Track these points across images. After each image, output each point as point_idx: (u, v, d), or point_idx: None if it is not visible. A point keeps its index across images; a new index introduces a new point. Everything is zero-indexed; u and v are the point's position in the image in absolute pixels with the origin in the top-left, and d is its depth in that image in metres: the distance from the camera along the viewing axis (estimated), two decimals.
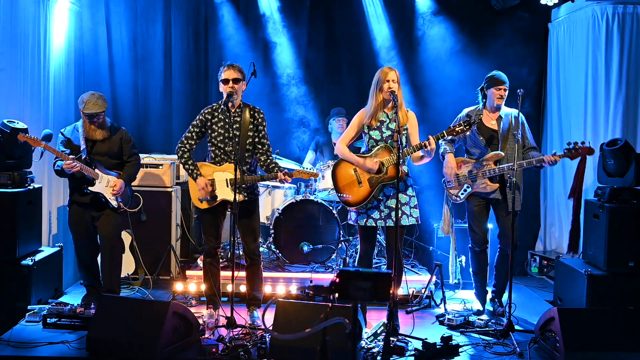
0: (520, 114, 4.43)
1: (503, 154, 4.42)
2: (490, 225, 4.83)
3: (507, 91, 4.49)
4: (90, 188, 4.43)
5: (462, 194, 4.54)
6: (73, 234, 4.62)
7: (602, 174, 4.81)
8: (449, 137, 4.17)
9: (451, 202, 4.69)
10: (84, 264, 4.65)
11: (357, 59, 6.41)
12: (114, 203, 4.50)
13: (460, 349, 3.84)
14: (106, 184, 4.47)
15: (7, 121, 4.50)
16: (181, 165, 4.34)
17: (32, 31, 5.17)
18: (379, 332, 3.90)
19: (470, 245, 4.68)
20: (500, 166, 4.39)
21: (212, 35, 6.33)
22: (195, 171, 4.21)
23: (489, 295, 4.74)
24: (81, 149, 4.45)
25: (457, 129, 3.99)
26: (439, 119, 5.85)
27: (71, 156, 4.37)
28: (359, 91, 6.19)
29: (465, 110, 4.65)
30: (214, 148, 4.26)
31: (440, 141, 4.26)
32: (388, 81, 4.05)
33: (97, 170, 4.45)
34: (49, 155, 4.85)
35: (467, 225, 4.72)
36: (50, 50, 5.46)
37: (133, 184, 4.86)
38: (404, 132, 4.14)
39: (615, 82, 5.57)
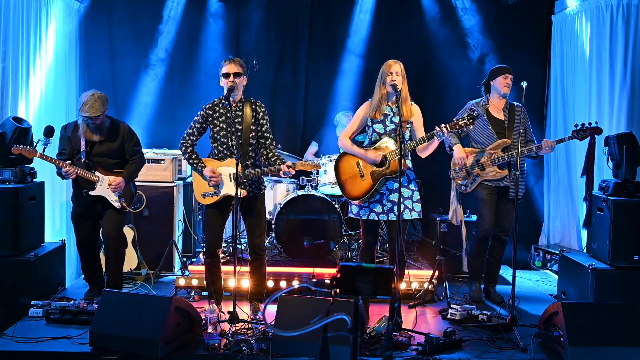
0: (523, 107, 4.46)
1: (510, 141, 4.56)
2: None
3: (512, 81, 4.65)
4: (91, 192, 4.40)
5: (472, 183, 4.63)
6: (75, 230, 4.62)
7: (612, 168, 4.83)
8: (453, 131, 4.15)
9: (459, 194, 4.76)
10: (86, 259, 4.65)
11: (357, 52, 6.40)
12: (116, 205, 4.48)
13: (463, 344, 3.83)
14: (107, 186, 4.45)
15: (13, 118, 4.48)
16: (186, 161, 4.32)
17: (34, 28, 5.17)
18: (381, 326, 3.89)
19: (474, 232, 4.77)
20: (508, 153, 4.51)
21: (214, 28, 6.31)
22: (200, 164, 4.20)
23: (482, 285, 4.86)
24: (81, 150, 4.41)
25: (460, 122, 3.96)
26: (441, 112, 5.83)
27: (68, 162, 4.33)
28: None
29: (470, 103, 4.72)
30: (216, 144, 4.24)
31: None
32: (391, 74, 4.02)
33: (97, 173, 4.41)
34: (51, 150, 4.84)
35: (471, 217, 4.79)
36: (52, 46, 5.45)
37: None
38: (408, 126, 4.12)
39: (620, 74, 5.52)
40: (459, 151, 4.62)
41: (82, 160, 4.40)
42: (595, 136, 4.48)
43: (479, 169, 4.59)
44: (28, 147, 4.29)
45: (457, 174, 4.69)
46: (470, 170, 4.62)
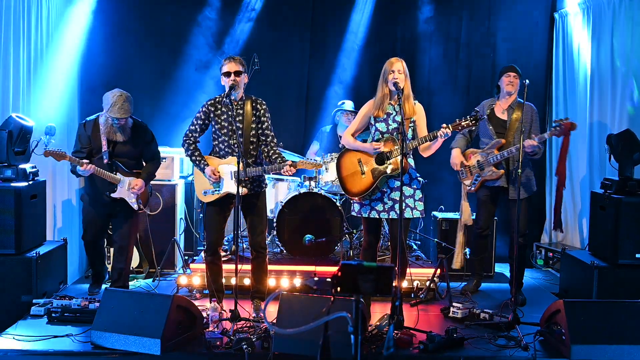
0: (533, 107, 4.67)
1: (504, 140, 4.61)
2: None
3: (519, 79, 4.66)
4: (112, 195, 4.40)
5: (474, 183, 4.75)
6: (86, 228, 4.62)
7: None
8: (456, 131, 4.13)
9: (468, 194, 4.88)
10: (93, 254, 4.66)
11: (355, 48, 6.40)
12: (134, 206, 4.48)
13: (464, 342, 3.82)
14: (127, 187, 4.44)
15: (16, 116, 4.48)
16: (188, 158, 4.32)
17: (35, 24, 5.17)
18: (382, 324, 3.88)
19: (474, 229, 4.92)
20: (502, 152, 4.58)
21: (215, 24, 6.31)
22: (202, 162, 4.21)
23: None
24: (102, 150, 4.37)
25: (462, 123, 3.95)
26: (443, 111, 5.83)
27: (85, 160, 4.29)
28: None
29: (483, 103, 4.86)
30: (217, 142, 4.24)
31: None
32: (393, 72, 4.01)
33: (118, 175, 4.40)
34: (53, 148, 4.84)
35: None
36: (53, 43, 5.45)
37: None
38: (410, 125, 4.11)
39: (621, 72, 5.50)
40: (454, 156, 4.79)
41: (105, 160, 4.36)
42: (570, 132, 4.45)
43: (479, 168, 4.69)
44: (58, 149, 4.29)
45: (462, 174, 4.82)
46: (473, 170, 4.74)
